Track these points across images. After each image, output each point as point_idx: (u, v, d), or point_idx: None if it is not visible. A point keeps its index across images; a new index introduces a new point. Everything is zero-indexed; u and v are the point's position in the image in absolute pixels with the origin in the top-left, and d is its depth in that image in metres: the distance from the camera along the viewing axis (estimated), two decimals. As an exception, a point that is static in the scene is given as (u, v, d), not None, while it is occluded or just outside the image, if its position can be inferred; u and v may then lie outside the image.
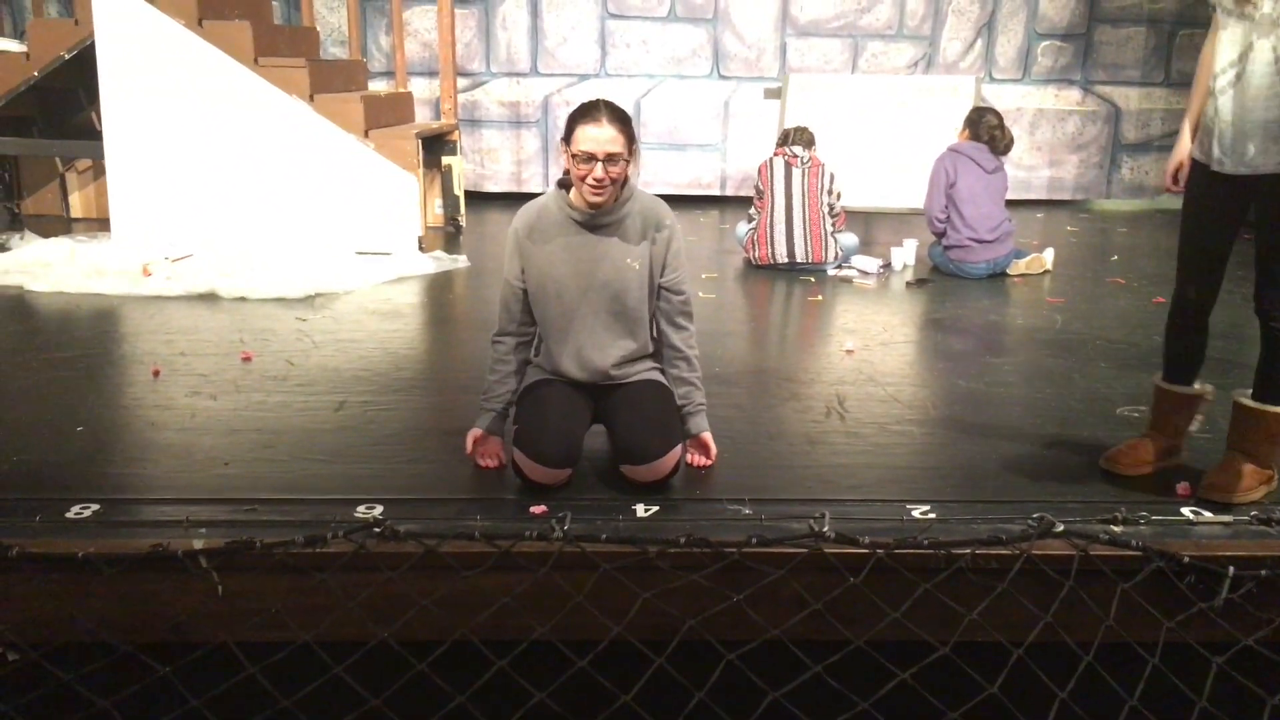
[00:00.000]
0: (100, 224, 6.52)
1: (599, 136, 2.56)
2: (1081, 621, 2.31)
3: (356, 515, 2.53)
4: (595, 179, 2.58)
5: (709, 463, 2.85)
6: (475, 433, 2.82)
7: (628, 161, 2.62)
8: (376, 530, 2.35)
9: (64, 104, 6.81)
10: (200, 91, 5.77)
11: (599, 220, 2.69)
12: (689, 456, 2.85)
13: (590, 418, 2.83)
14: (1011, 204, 5.74)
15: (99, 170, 6.77)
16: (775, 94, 7.27)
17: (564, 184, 2.74)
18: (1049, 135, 8.42)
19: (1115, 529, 2.49)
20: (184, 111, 5.79)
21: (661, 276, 2.77)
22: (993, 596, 2.28)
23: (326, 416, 3.30)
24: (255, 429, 3.16)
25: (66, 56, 6.22)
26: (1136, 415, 3.32)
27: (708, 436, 2.85)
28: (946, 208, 5.61)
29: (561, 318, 2.74)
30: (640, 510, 2.59)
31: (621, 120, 2.60)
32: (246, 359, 3.91)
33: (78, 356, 3.91)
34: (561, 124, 8.42)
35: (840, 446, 3.09)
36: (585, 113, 2.58)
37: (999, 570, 2.33)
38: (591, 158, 2.57)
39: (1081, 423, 3.30)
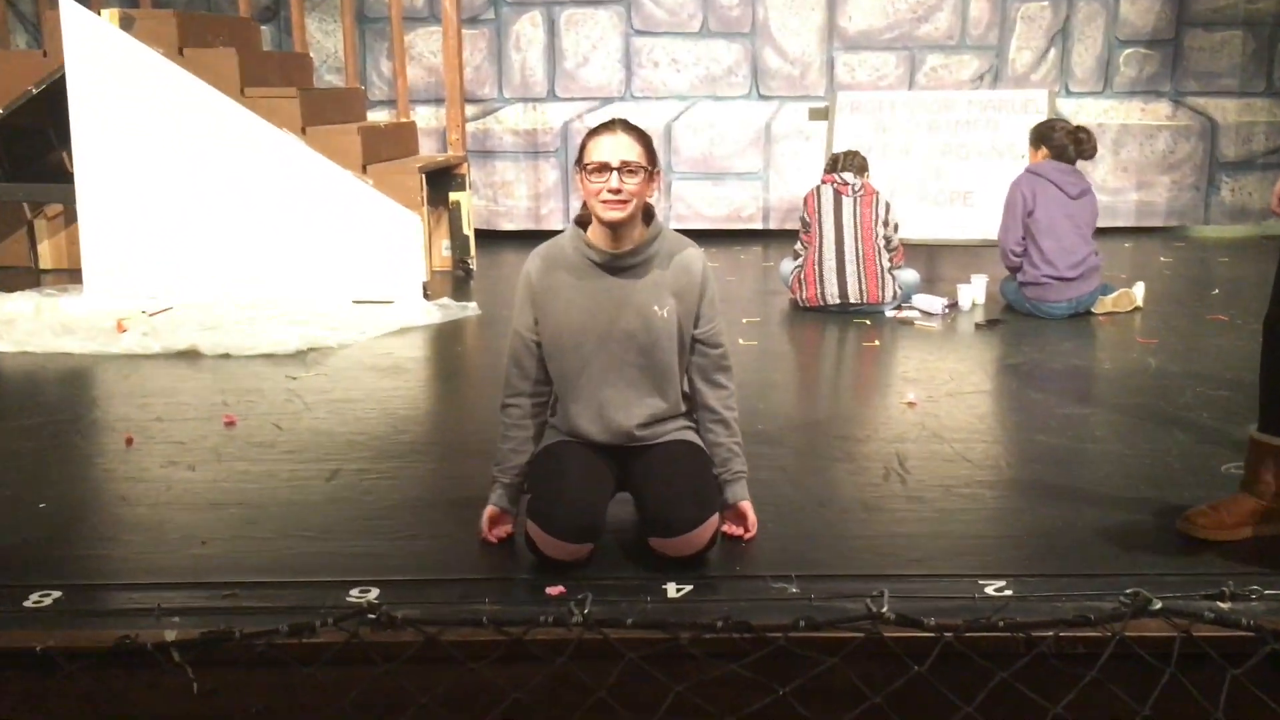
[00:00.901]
0: (71, 275, 6.65)
1: (613, 145, 2.61)
2: (1185, 715, 2.26)
3: (349, 600, 2.52)
4: (611, 190, 2.60)
5: (749, 535, 2.83)
6: (490, 511, 2.82)
7: (649, 175, 2.65)
8: (371, 617, 2.33)
9: (32, 144, 6.97)
10: (181, 127, 5.89)
11: (622, 262, 2.70)
12: (726, 526, 2.83)
13: (614, 484, 2.82)
14: (1097, 233, 5.70)
15: (70, 216, 6.91)
16: (822, 114, 7.33)
17: (582, 221, 2.76)
18: (1136, 154, 8.40)
19: (1222, 606, 2.44)
20: (163, 149, 5.91)
21: (696, 328, 2.77)
22: (1081, 686, 2.23)
23: (317, 487, 3.31)
24: (237, 503, 3.17)
25: (34, 91, 6.39)
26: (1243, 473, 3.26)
27: (747, 505, 2.83)
28: (1024, 239, 5.59)
29: (580, 373, 2.74)
30: (671, 590, 2.57)
31: (638, 133, 2.66)
32: (229, 423, 3.94)
33: (43, 424, 3.96)
34: (583, 153, 8.61)
35: (901, 513, 3.05)
36: (598, 128, 2.67)
37: (1087, 655, 2.28)
38: (605, 168, 2.60)
39: (1181, 483, 3.25)
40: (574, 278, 2.72)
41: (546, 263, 2.76)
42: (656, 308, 2.71)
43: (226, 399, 4.27)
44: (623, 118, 2.71)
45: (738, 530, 2.84)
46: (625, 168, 2.60)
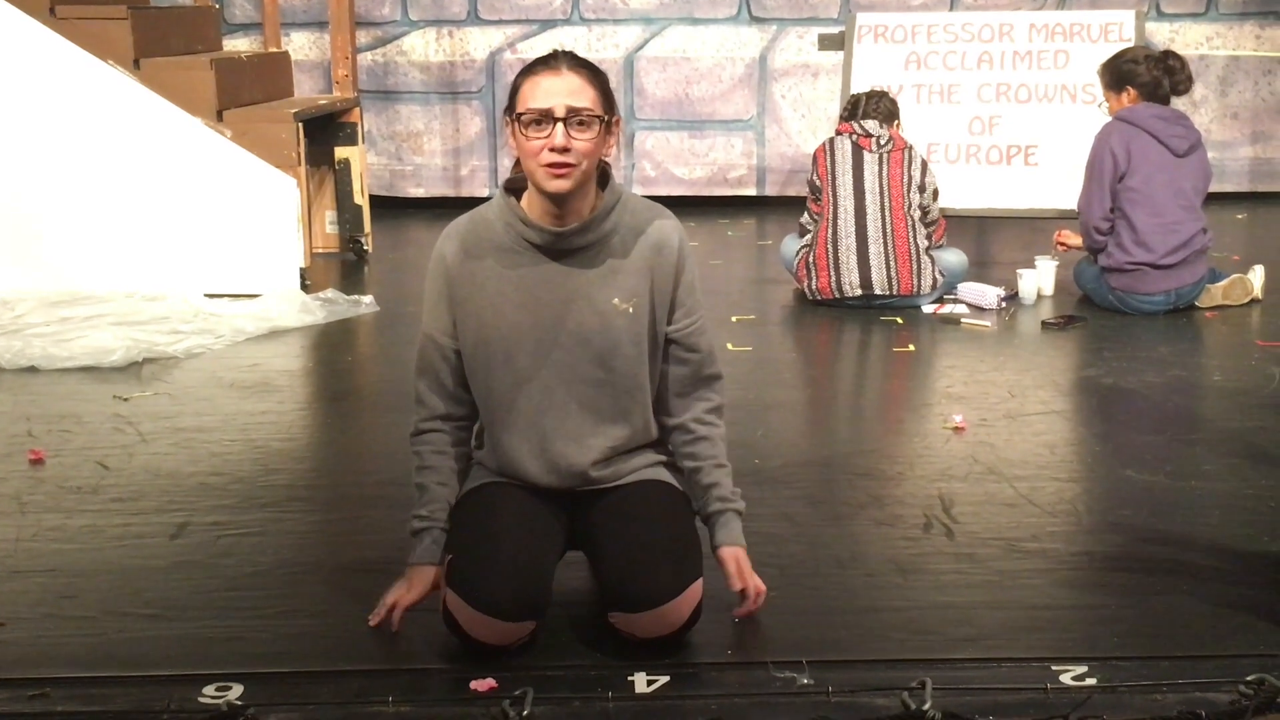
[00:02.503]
0: None
1: (557, 87, 2.59)
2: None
3: (202, 700, 2.49)
4: (555, 149, 2.59)
5: (750, 605, 2.82)
6: (417, 572, 2.78)
7: (606, 126, 2.64)
8: (233, 724, 2.32)
9: None
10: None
11: (569, 242, 2.69)
12: (734, 585, 2.79)
13: (564, 541, 2.81)
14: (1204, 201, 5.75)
15: None
16: (836, 43, 7.36)
17: (514, 188, 2.76)
18: (1250, 96, 8.50)
19: (1375, 697, 2.46)
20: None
21: (669, 324, 2.77)
22: (1190, 807, 2.25)
23: (158, 548, 3.27)
24: (47, 569, 3.14)
25: None
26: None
27: (742, 556, 2.79)
28: (1113, 211, 5.62)
29: (514, 392, 2.73)
30: (641, 682, 2.55)
31: (590, 70, 2.64)
32: (36, 460, 3.91)
33: None
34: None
35: (947, 577, 3.06)
36: (536, 64, 2.65)
37: (1198, 765, 2.30)
38: (547, 117, 2.58)
39: (1317, 532, 3.29)
40: (504, 265, 2.71)
41: (467, 243, 2.74)
42: (617, 300, 2.70)
43: (32, 428, 4.23)
44: (568, 50, 2.69)
45: (740, 588, 2.79)
46: (574, 117, 2.59)
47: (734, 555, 2.78)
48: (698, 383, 2.82)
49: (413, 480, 2.84)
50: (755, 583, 2.79)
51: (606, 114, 2.65)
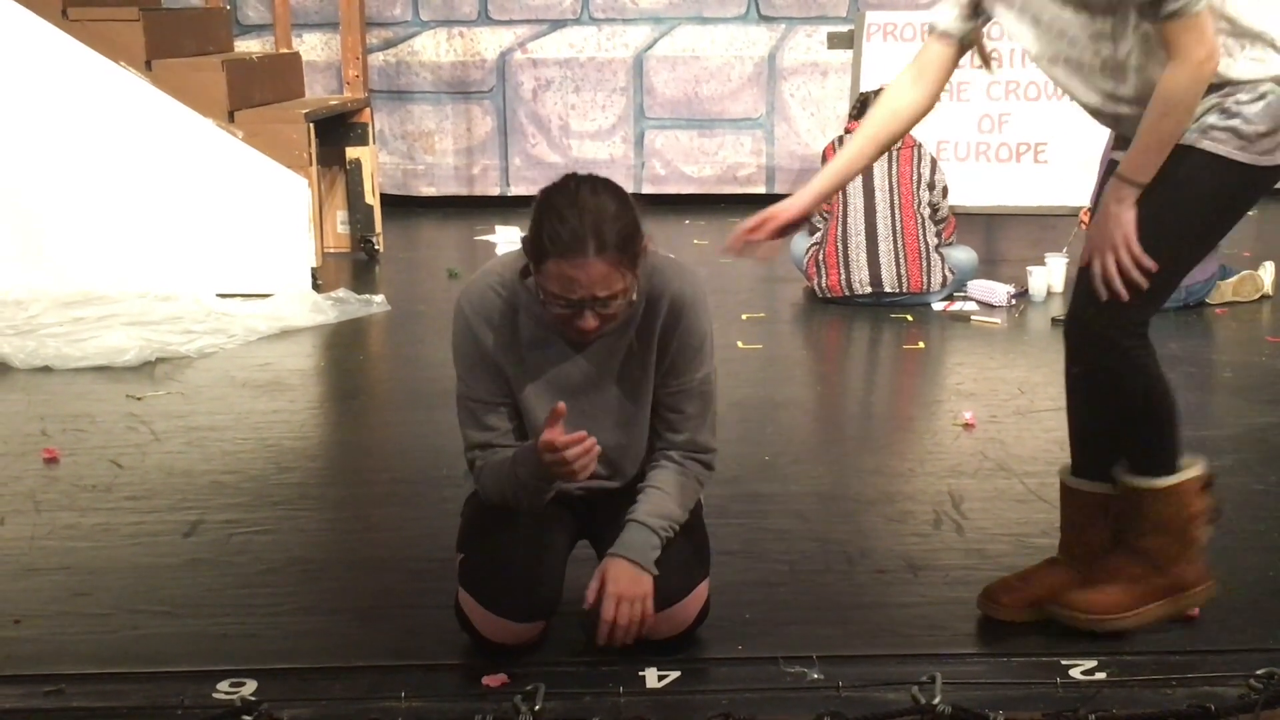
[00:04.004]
0: None
1: (583, 278, 2.44)
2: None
3: (216, 696, 2.50)
4: (580, 330, 2.50)
5: (605, 625, 2.58)
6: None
7: (631, 297, 2.53)
8: (247, 718, 2.33)
9: None
10: (-23, 61, 5.85)
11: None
12: (589, 593, 2.61)
13: (575, 536, 2.82)
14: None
15: None
16: (845, 41, 7.35)
17: (529, 273, 2.63)
18: (1261, 92, 8.47)
19: (1386, 691, 2.46)
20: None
21: (660, 380, 2.68)
22: (1199, 801, 2.25)
23: (172, 546, 3.28)
24: (62, 567, 3.15)
25: None
26: None
27: (623, 571, 2.59)
28: None
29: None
30: (652, 678, 2.56)
31: (620, 245, 2.45)
32: (50, 459, 3.92)
33: None
34: (526, 91, 8.65)
35: (957, 573, 3.06)
36: (561, 246, 2.43)
37: (1207, 759, 2.30)
38: (572, 303, 2.48)
39: (1327, 528, 3.29)
40: (533, 349, 2.65)
41: (495, 321, 2.63)
42: (641, 399, 2.68)
43: (46, 427, 4.24)
44: (593, 215, 2.43)
45: (602, 600, 2.58)
46: (599, 303, 2.48)
47: (612, 565, 2.61)
48: (686, 455, 2.72)
49: (509, 489, 2.62)
50: (614, 603, 2.57)
51: (635, 273, 2.52)
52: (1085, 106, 2.70)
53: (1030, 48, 2.70)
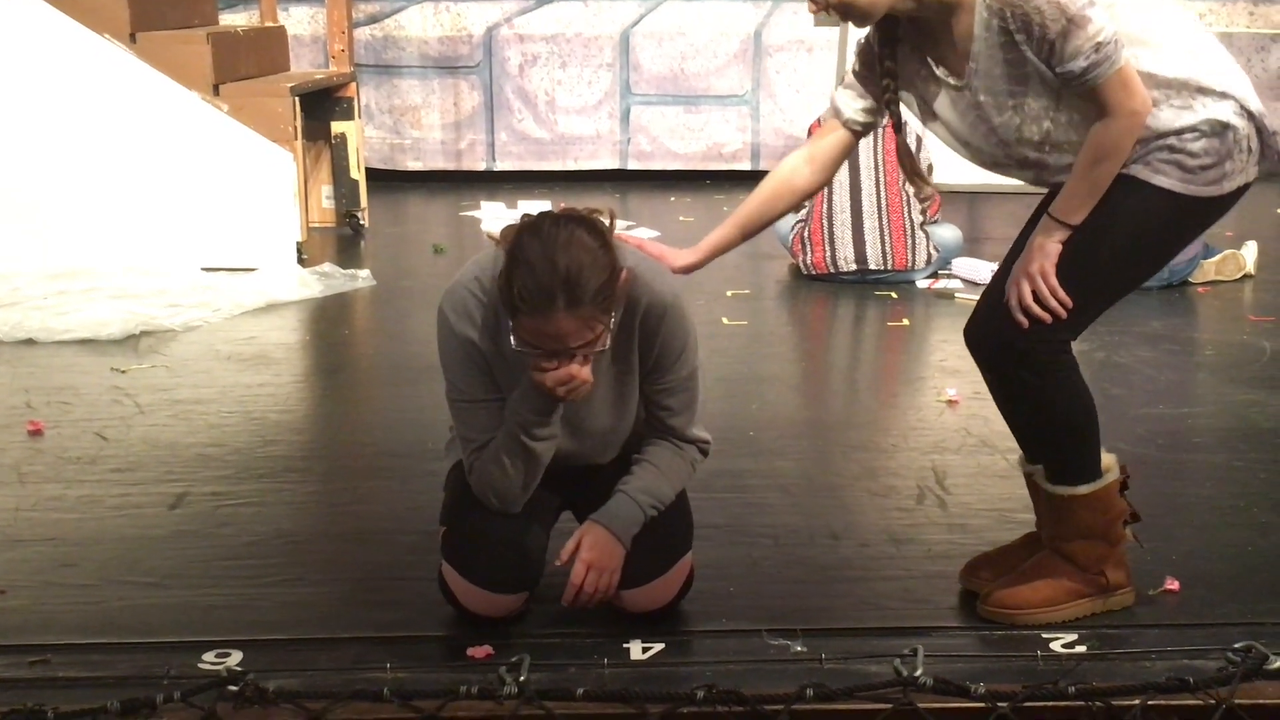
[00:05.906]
0: None
1: (556, 331, 2.41)
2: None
3: (202, 667, 2.50)
4: (557, 381, 2.47)
5: (573, 589, 2.61)
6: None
7: (607, 339, 2.49)
8: (233, 689, 2.32)
9: None
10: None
11: None
12: (564, 552, 2.63)
13: (558, 509, 2.83)
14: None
15: None
16: (831, 19, 7.33)
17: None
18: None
19: (1363, 664, 2.48)
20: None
21: (645, 376, 2.69)
22: (1177, 771, 2.27)
23: (157, 517, 3.28)
24: (47, 538, 3.15)
25: None
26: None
27: (599, 537, 2.62)
28: None
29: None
30: (636, 650, 2.57)
31: (593, 298, 2.40)
32: (35, 432, 3.91)
33: None
34: (513, 66, 8.62)
35: (940, 548, 3.07)
36: (527, 294, 2.38)
37: (1185, 729, 2.31)
38: (546, 353, 2.45)
39: (1306, 504, 3.31)
40: (519, 362, 2.60)
41: (484, 323, 2.61)
42: (628, 386, 2.69)
43: (30, 399, 4.23)
44: (564, 267, 2.37)
45: (579, 567, 2.60)
46: (578, 347, 2.45)
47: (591, 530, 2.64)
48: (676, 438, 2.73)
49: (514, 466, 2.60)
50: (584, 569, 2.60)
51: (609, 320, 2.49)
52: (1003, 171, 2.78)
53: (949, 141, 2.77)
